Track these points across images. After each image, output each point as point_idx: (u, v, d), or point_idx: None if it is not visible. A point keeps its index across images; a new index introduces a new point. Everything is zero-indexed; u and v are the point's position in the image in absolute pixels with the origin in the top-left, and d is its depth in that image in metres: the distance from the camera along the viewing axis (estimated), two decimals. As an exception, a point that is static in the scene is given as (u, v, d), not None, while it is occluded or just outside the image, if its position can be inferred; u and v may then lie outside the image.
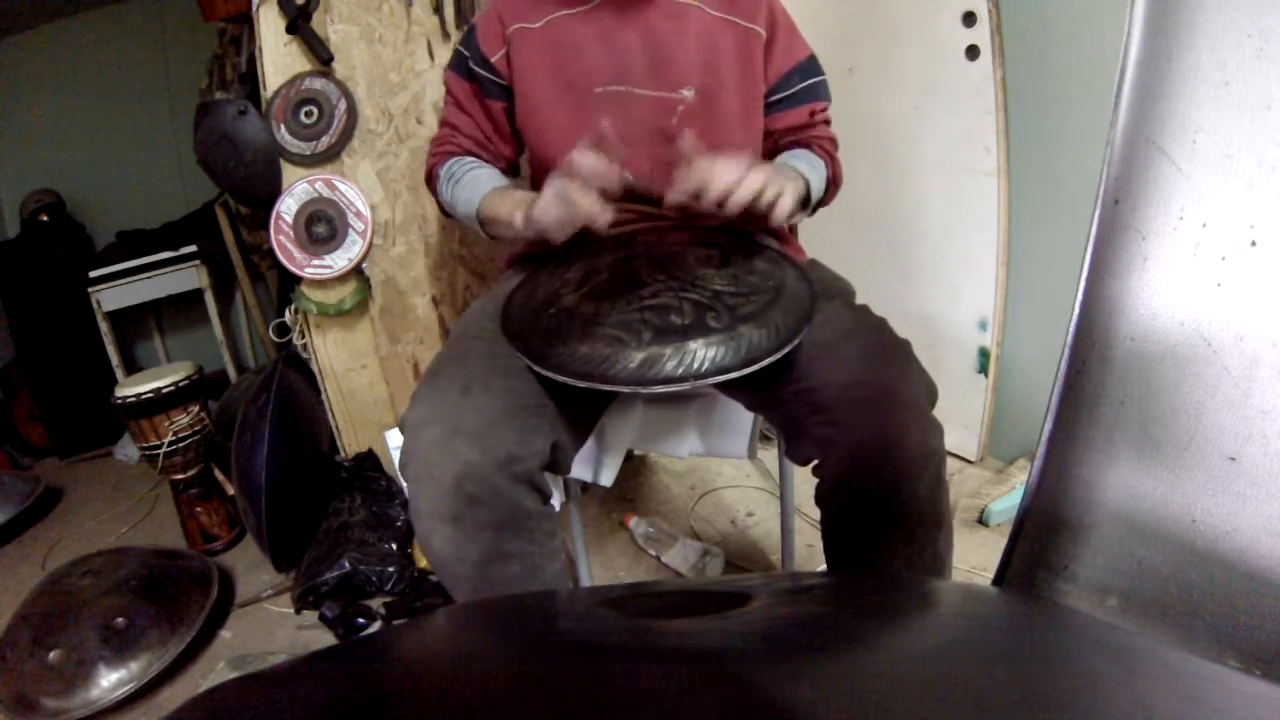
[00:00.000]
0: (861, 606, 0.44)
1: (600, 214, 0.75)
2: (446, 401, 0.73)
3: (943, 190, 1.53)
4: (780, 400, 0.81)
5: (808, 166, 0.95)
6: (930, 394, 0.76)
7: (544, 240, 0.81)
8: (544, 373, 0.74)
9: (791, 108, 1.04)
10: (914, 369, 0.76)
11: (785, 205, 0.81)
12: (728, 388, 0.89)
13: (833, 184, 1.03)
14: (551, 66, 0.98)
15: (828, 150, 1.04)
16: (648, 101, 0.97)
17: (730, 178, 0.77)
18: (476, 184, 0.98)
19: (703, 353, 0.70)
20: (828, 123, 1.07)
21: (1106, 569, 0.55)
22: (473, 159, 1.04)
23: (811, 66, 1.04)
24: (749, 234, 0.98)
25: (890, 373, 0.75)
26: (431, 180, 1.07)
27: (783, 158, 1.02)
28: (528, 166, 1.17)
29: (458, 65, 1.04)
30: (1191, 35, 0.48)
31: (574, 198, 0.75)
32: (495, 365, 0.77)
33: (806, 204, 0.93)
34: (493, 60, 1.00)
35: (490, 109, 1.03)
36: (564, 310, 0.78)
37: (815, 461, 0.79)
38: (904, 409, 0.72)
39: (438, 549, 0.72)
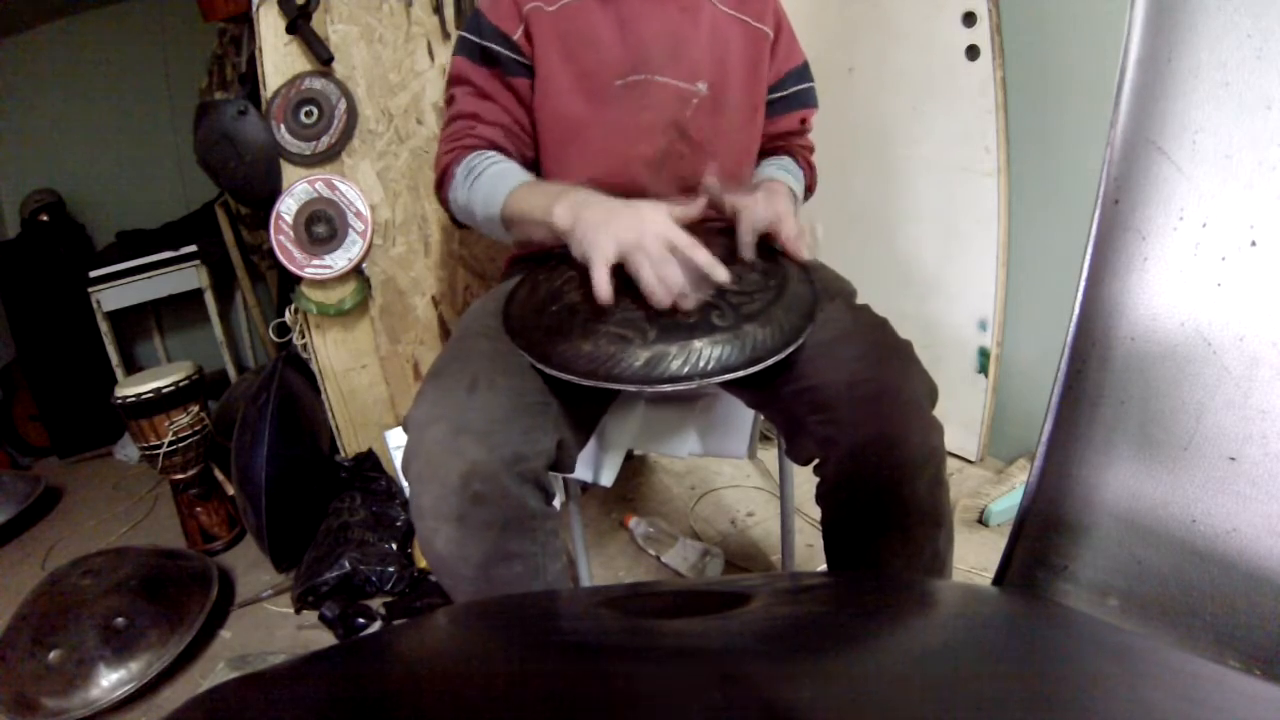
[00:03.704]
0: (861, 606, 0.44)
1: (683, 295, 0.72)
2: (452, 399, 0.72)
3: (943, 190, 1.53)
4: (781, 399, 0.81)
5: (794, 180, 1.03)
6: (931, 394, 0.76)
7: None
8: (548, 371, 0.74)
9: (785, 112, 1.07)
10: (915, 369, 0.76)
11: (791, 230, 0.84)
12: (730, 385, 0.89)
13: (808, 192, 1.11)
14: (565, 53, 0.95)
15: (808, 160, 1.10)
16: (665, 89, 0.96)
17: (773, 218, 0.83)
18: (500, 179, 0.89)
19: (708, 351, 0.70)
20: (810, 130, 1.12)
21: (1106, 569, 0.55)
22: (495, 153, 0.95)
23: (806, 72, 1.07)
24: None
25: (891, 372, 0.75)
26: (444, 181, 0.97)
27: (768, 169, 1.06)
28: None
29: (469, 51, 0.97)
30: (1191, 35, 0.48)
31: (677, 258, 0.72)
32: (500, 363, 0.76)
33: None
34: (514, 37, 0.94)
35: (517, 89, 0.96)
36: (567, 308, 0.78)
37: (816, 461, 0.79)
38: (904, 408, 0.72)
39: (440, 549, 0.70)
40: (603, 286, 0.71)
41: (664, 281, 0.71)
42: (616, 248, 0.71)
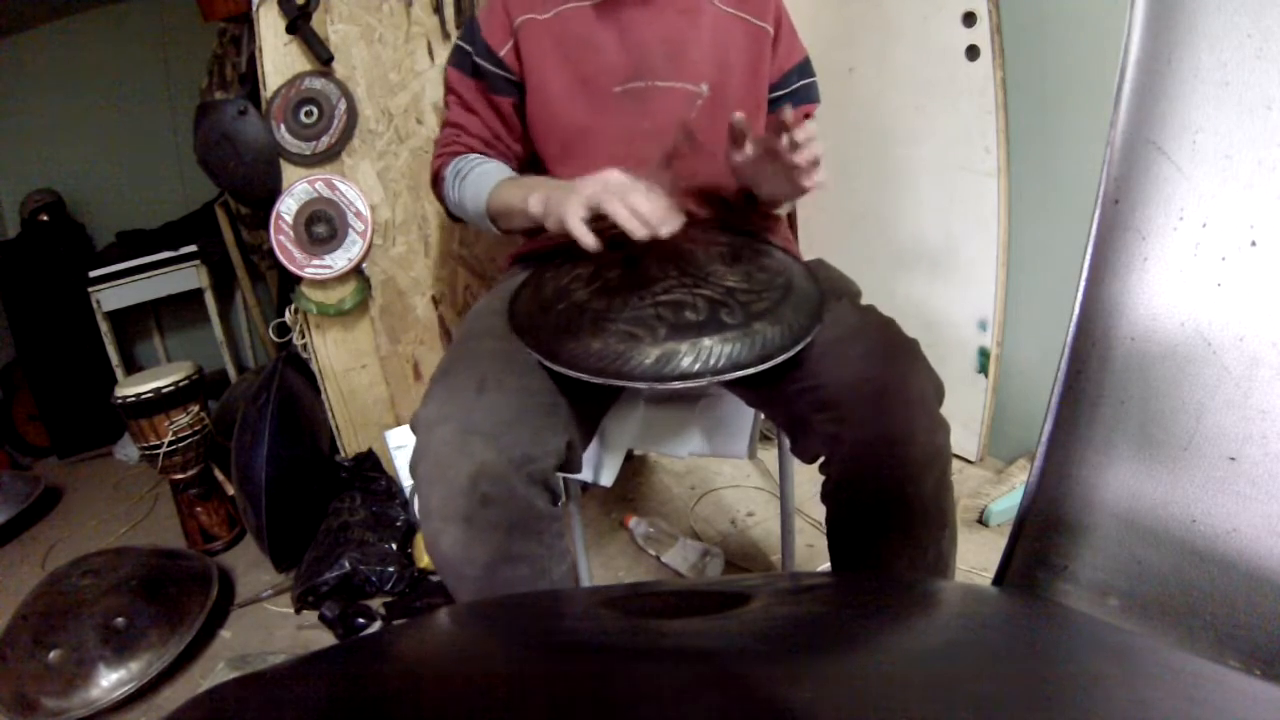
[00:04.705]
0: (861, 606, 0.44)
1: (662, 223, 0.71)
2: (460, 399, 0.72)
3: (943, 190, 1.53)
4: (786, 398, 0.80)
5: None
6: (938, 392, 0.76)
7: (548, 235, 0.80)
8: (557, 369, 0.73)
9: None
10: (921, 367, 0.76)
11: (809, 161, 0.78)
12: (735, 384, 0.90)
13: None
14: (563, 61, 0.96)
15: None
16: (668, 94, 0.97)
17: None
18: (484, 178, 0.95)
19: (718, 349, 0.70)
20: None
21: (1106, 569, 0.55)
22: (479, 156, 1.00)
23: (808, 67, 1.07)
24: (754, 232, 0.99)
25: (897, 370, 0.74)
26: (438, 182, 1.04)
27: None
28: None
29: (460, 61, 1.02)
30: (1191, 35, 0.48)
31: (633, 194, 0.72)
32: (507, 363, 0.76)
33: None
34: (500, 54, 0.98)
35: (499, 105, 1.00)
36: (574, 306, 0.78)
37: (821, 459, 0.79)
38: (910, 406, 0.72)
39: (446, 550, 0.70)
40: (585, 236, 0.72)
41: (634, 211, 0.71)
42: (584, 200, 0.72)
